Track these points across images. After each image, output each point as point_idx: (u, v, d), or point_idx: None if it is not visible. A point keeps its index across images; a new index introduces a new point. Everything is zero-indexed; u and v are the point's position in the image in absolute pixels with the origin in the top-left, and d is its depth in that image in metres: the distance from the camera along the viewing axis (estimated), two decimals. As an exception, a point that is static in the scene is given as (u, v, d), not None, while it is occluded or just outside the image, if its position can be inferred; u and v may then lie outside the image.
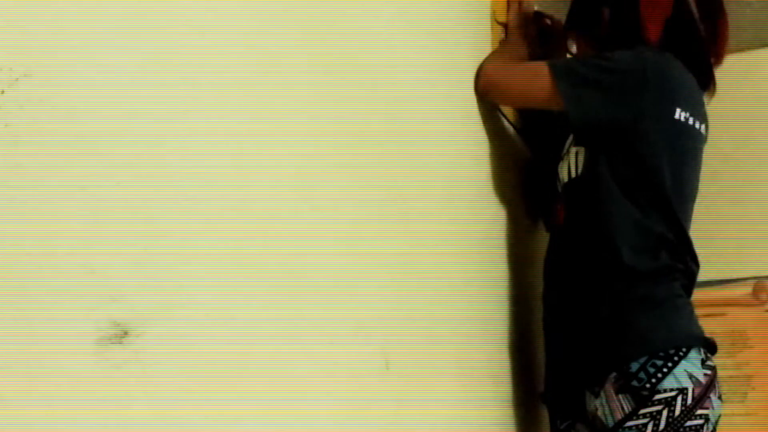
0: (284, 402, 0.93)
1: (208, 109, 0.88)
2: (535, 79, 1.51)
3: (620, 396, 1.32)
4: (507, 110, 1.67)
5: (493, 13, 1.67)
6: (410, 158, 1.28)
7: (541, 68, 1.52)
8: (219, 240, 0.87)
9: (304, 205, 1.01)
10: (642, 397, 1.30)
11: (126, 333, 0.74)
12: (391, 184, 1.22)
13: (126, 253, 0.76)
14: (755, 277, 2.09)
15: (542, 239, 1.76)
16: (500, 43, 1.70)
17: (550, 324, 1.54)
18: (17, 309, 0.65)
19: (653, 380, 1.30)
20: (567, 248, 1.53)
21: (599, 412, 1.34)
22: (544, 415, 1.66)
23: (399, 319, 1.18)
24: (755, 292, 2.18)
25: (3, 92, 0.66)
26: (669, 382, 1.30)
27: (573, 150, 1.54)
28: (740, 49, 2.12)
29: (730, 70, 2.14)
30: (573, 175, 1.53)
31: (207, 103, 0.88)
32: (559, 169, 1.59)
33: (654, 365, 1.30)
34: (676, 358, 1.31)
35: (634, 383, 1.31)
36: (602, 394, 1.34)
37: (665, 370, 1.30)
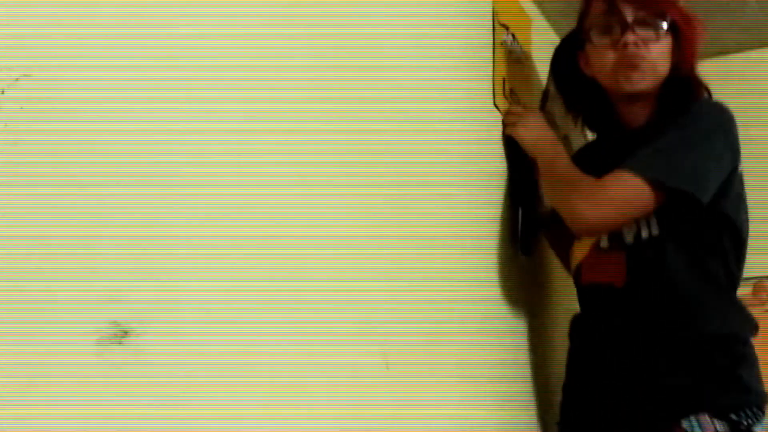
0: (284, 402, 0.93)
1: (208, 109, 0.88)
2: (634, 197, 1.39)
3: (716, 420, 1.35)
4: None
5: (495, 14, 1.67)
6: (410, 158, 1.28)
7: (635, 186, 1.38)
8: (219, 240, 0.87)
9: (304, 205, 1.01)
10: (738, 428, 1.36)
11: (126, 333, 0.74)
12: (391, 184, 1.22)
13: (126, 253, 0.76)
14: (755, 277, 2.09)
15: (543, 238, 1.76)
16: (550, 169, 1.54)
17: (606, 379, 1.49)
18: (17, 309, 0.65)
19: (750, 421, 1.37)
20: (636, 312, 1.46)
21: (684, 425, 1.36)
22: (543, 416, 1.66)
23: (399, 319, 1.18)
24: (755, 292, 2.17)
25: (3, 92, 0.66)
26: (759, 428, 1.38)
27: None
28: (740, 49, 2.13)
29: (730, 70, 2.15)
30: (645, 235, 1.45)
31: (207, 103, 0.88)
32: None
33: (749, 414, 1.37)
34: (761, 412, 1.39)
35: (732, 416, 1.36)
36: (693, 417, 1.36)
37: (758, 418, 1.38)
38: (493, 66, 1.63)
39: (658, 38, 1.47)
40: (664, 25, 1.48)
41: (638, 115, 1.53)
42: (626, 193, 1.39)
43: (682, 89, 1.51)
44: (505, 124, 1.63)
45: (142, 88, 0.80)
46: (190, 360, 0.81)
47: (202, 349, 0.82)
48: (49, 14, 0.71)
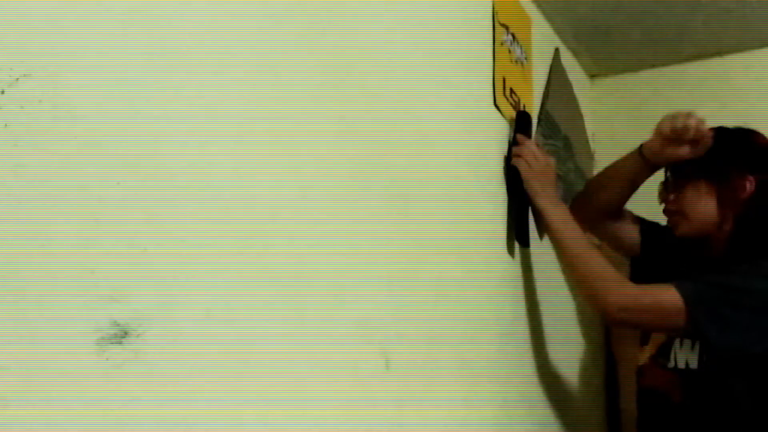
0: (285, 402, 0.93)
1: (208, 110, 0.88)
2: (668, 314, 1.42)
3: None
4: (510, 116, 1.67)
5: (495, 14, 1.67)
6: (410, 158, 1.28)
7: (673, 299, 1.42)
8: (219, 240, 0.87)
9: (304, 205, 1.01)
10: None
11: (126, 333, 0.74)
12: (391, 184, 1.22)
13: (126, 253, 0.76)
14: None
15: (543, 238, 1.76)
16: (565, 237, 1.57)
17: None
18: (17, 309, 0.65)
19: None
20: (694, 428, 1.50)
21: None
22: (544, 415, 1.66)
23: (399, 319, 1.18)
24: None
25: (3, 92, 0.66)
26: None
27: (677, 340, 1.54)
28: (740, 49, 2.13)
29: (730, 70, 2.15)
30: (693, 366, 1.51)
31: (207, 104, 0.88)
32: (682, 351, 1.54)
33: None
34: None
35: None
36: None
37: None
38: (493, 66, 1.63)
39: (688, 186, 1.58)
40: (689, 172, 1.58)
41: (720, 246, 1.56)
42: (662, 300, 1.43)
43: (755, 222, 1.53)
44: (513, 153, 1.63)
45: (142, 88, 0.80)
46: (190, 360, 0.81)
47: (202, 349, 0.82)
48: (49, 14, 0.71)
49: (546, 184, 1.60)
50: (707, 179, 1.56)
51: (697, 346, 1.51)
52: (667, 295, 1.41)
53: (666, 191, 1.63)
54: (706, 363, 1.48)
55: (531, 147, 1.61)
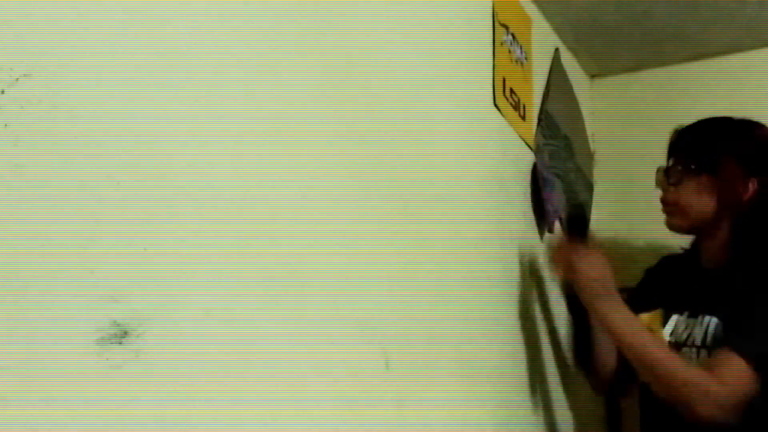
0: (284, 402, 0.93)
1: (208, 109, 0.88)
2: (747, 383, 1.37)
3: None
4: (515, 124, 1.67)
5: (495, 14, 1.67)
6: (410, 158, 1.28)
7: (744, 368, 1.37)
8: (219, 240, 0.87)
9: (304, 205, 1.01)
10: None
11: (126, 333, 0.74)
12: (391, 184, 1.22)
13: (126, 253, 0.76)
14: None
15: (543, 238, 1.76)
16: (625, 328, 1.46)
17: None
18: (17, 309, 0.65)
19: None
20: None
21: None
22: (544, 415, 1.66)
23: (399, 319, 1.18)
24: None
25: (3, 92, 0.66)
26: None
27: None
28: (740, 49, 2.13)
29: (730, 70, 2.14)
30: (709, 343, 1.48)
31: (207, 103, 0.88)
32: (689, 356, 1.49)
33: None
34: None
35: None
36: None
37: None
38: (493, 66, 1.63)
39: (689, 178, 1.56)
40: (692, 165, 1.56)
41: (716, 255, 1.55)
42: (741, 383, 1.37)
43: (755, 226, 1.52)
44: (555, 262, 1.56)
45: (142, 88, 0.80)
46: (190, 360, 0.81)
47: (202, 349, 0.82)
48: (49, 14, 0.71)
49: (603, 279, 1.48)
50: (710, 175, 1.54)
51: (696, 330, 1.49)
52: (740, 372, 1.36)
53: (667, 180, 1.60)
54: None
55: (561, 245, 1.57)
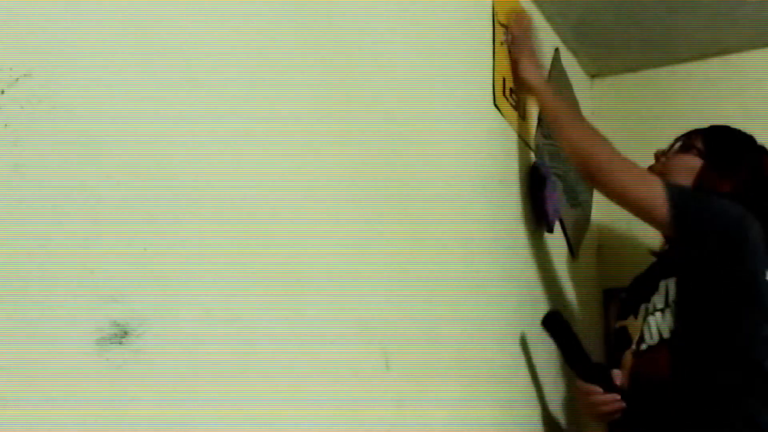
0: (285, 402, 0.93)
1: (208, 109, 0.88)
2: (647, 185, 1.52)
3: None
4: (515, 124, 1.67)
5: (495, 14, 1.67)
6: (410, 158, 1.28)
7: (655, 181, 1.53)
8: (219, 240, 0.87)
9: (304, 205, 1.01)
10: None
11: (126, 333, 0.74)
12: (391, 184, 1.22)
13: (126, 253, 0.76)
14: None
15: (543, 239, 1.77)
16: (549, 105, 1.68)
17: None
18: (17, 309, 0.65)
19: None
20: (683, 403, 1.45)
21: None
22: (544, 415, 1.66)
23: (399, 319, 1.18)
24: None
25: (3, 92, 0.66)
26: None
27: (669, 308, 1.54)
28: (740, 49, 2.13)
29: (730, 70, 2.14)
30: (666, 336, 1.50)
31: (207, 103, 0.88)
32: (655, 321, 1.54)
33: None
34: None
35: None
36: None
37: None
38: (493, 66, 1.63)
39: (684, 155, 1.67)
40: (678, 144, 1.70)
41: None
42: (642, 175, 1.55)
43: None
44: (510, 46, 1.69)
45: (142, 88, 0.80)
46: (190, 360, 0.81)
47: (202, 349, 0.82)
48: (49, 14, 0.71)
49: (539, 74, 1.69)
50: (701, 158, 1.63)
51: (665, 319, 1.51)
52: (652, 178, 1.53)
53: (663, 154, 1.71)
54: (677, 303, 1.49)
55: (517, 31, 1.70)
